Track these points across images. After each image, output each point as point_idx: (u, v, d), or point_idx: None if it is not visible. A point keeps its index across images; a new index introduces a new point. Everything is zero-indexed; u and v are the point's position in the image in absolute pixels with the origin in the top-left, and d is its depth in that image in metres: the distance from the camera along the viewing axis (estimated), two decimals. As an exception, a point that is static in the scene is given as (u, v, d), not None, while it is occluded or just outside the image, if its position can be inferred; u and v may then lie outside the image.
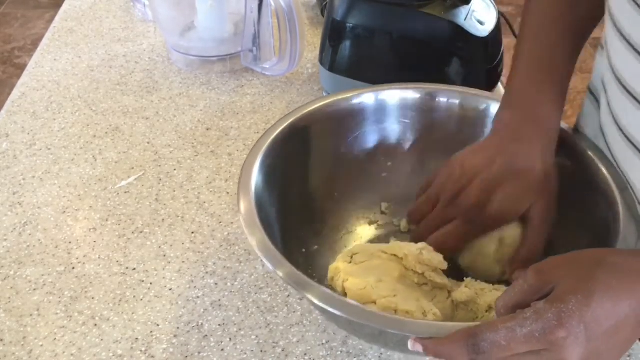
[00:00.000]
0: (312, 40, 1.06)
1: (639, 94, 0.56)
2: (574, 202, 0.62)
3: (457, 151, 0.65)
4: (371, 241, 0.70)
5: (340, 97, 0.70)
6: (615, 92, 0.60)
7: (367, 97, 0.71)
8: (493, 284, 0.60)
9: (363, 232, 0.70)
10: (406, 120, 0.72)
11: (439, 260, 0.60)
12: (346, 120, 0.70)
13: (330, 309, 0.49)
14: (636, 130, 0.58)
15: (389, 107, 0.71)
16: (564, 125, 0.65)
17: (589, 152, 0.63)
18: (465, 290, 0.59)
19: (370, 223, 0.71)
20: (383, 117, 0.71)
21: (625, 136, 0.60)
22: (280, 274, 0.51)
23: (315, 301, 0.50)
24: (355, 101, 0.70)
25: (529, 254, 0.59)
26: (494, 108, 0.67)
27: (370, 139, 0.72)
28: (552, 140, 0.60)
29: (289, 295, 0.66)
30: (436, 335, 0.47)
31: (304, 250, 0.66)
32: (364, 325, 0.50)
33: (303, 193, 0.69)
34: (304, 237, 0.67)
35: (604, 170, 0.61)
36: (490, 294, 0.58)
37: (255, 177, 0.60)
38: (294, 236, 0.65)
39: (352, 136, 0.71)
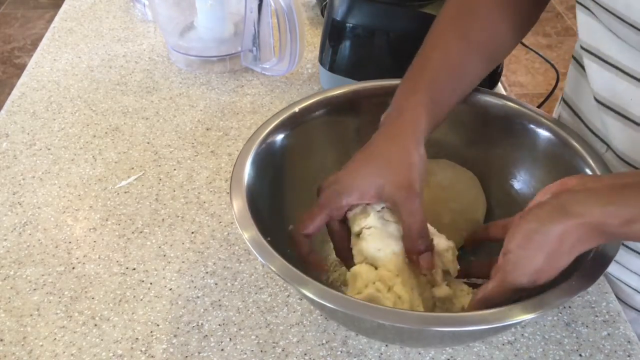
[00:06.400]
0: (312, 40, 1.06)
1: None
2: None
3: (454, 148, 0.68)
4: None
5: (334, 92, 0.70)
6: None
7: (363, 92, 0.71)
8: None
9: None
10: None
11: (454, 267, 0.60)
12: (341, 115, 0.70)
13: (323, 302, 0.49)
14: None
15: (386, 102, 0.71)
16: (547, 115, 0.67)
17: (572, 141, 0.64)
18: (445, 288, 0.59)
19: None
20: (381, 112, 0.71)
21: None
22: (274, 268, 0.52)
23: (310, 295, 0.50)
24: (351, 96, 0.70)
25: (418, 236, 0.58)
26: (494, 106, 0.68)
27: (367, 135, 0.72)
28: (418, 139, 0.60)
29: (289, 295, 0.66)
30: (427, 329, 0.49)
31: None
32: (358, 318, 0.50)
33: (297, 187, 0.69)
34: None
35: (588, 159, 0.62)
36: (467, 297, 0.59)
37: (248, 172, 0.61)
38: (288, 229, 0.65)
39: (347, 131, 0.71)
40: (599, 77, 0.64)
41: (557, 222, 0.47)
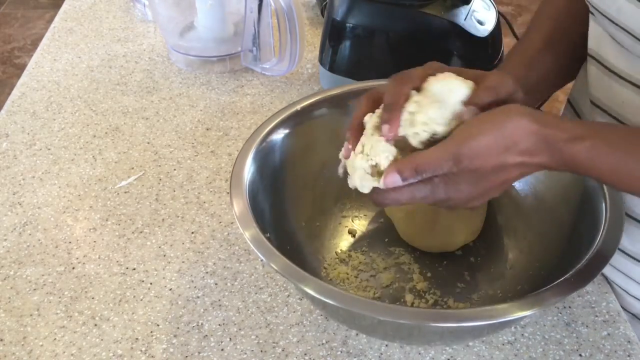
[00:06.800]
0: (312, 40, 1.06)
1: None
2: (559, 183, 0.65)
3: None
4: (371, 222, 0.71)
5: (335, 92, 0.70)
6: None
7: (363, 92, 0.70)
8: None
9: (359, 216, 0.71)
10: None
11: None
12: (342, 115, 0.70)
13: (324, 299, 0.50)
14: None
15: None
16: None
17: None
18: None
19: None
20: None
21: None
22: (275, 266, 0.52)
23: (311, 292, 0.50)
24: (351, 96, 0.70)
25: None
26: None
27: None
28: None
29: (289, 295, 0.66)
30: (426, 325, 0.50)
31: (298, 241, 0.66)
32: (358, 315, 0.50)
33: (298, 186, 0.69)
34: (299, 225, 0.68)
35: None
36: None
37: (248, 171, 0.61)
38: (289, 226, 0.66)
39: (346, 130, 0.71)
40: (596, 80, 0.65)
41: (521, 119, 0.49)
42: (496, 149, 0.49)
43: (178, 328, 0.63)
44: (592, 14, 0.62)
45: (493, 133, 0.49)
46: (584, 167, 0.50)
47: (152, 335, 0.62)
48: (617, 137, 0.51)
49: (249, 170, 0.61)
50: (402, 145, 0.53)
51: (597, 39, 0.64)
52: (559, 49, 0.67)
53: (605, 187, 0.59)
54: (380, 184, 0.52)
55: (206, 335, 0.62)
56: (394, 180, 0.51)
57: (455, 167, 0.49)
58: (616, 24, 0.57)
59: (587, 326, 0.63)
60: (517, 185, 0.69)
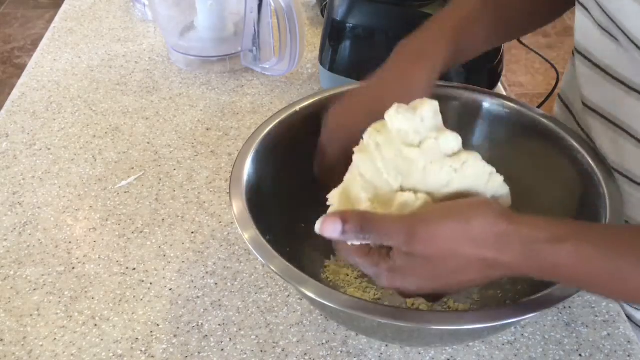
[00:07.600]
0: (312, 40, 1.06)
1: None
2: (558, 185, 0.65)
3: None
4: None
5: (334, 92, 0.70)
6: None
7: None
8: None
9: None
10: None
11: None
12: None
13: (323, 302, 0.50)
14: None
15: None
16: (547, 115, 0.67)
17: (571, 141, 0.64)
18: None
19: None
20: None
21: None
22: (274, 268, 0.52)
23: (310, 294, 0.50)
24: None
25: None
26: (494, 106, 0.69)
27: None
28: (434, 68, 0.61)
29: (289, 295, 0.66)
30: (426, 327, 0.50)
31: (297, 242, 0.66)
32: (358, 317, 0.50)
33: (297, 186, 0.69)
34: (299, 226, 0.67)
35: (585, 156, 0.62)
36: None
37: (248, 172, 0.61)
38: (288, 227, 0.65)
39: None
40: (588, 81, 0.64)
41: (489, 215, 0.45)
42: (456, 240, 0.44)
43: (178, 328, 0.63)
44: (584, 7, 0.61)
45: (456, 223, 0.44)
46: (565, 273, 0.45)
47: (152, 335, 0.62)
48: (603, 238, 0.46)
49: (248, 170, 0.61)
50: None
51: (585, 33, 0.62)
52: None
53: (605, 189, 0.58)
54: (317, 227, 0.46)
55: (206, 335, 0.62)
56: (334, 228, 0.45)
57: (405, 246, 0.44)
58: (614, 23, 0.56)
59: (587, 326, 0.63)
60: (518, 188, 0.68)
